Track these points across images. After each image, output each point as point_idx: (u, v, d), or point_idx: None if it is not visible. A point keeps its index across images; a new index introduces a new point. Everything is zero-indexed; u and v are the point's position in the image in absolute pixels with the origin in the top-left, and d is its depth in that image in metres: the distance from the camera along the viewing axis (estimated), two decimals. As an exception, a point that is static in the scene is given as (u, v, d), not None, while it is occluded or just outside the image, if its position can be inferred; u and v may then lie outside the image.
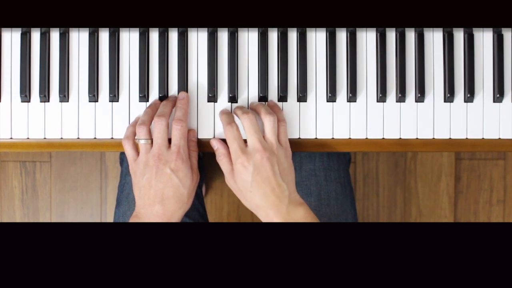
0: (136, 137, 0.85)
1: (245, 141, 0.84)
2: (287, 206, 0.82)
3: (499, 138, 0.90)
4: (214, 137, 0.88)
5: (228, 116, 0.86)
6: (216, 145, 0.87)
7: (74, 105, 0.88)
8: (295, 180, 0.86)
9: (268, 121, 0.84)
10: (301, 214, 0.82)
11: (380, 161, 1.68)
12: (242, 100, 0.89)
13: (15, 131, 0.88)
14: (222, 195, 1.68)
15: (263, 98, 0.89)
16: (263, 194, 0.81)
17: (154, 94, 0.89)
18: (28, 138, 0.88)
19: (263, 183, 0.81)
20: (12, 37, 0.88)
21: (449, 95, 0.89)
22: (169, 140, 0.85)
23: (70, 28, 0.88)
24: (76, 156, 1.67)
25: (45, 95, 0.88)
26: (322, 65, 0.89)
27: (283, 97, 0.89)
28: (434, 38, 0.90)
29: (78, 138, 0.88)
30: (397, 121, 0.89)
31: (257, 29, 0.89)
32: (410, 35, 0.90)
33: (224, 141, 0.86)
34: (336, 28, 0.89)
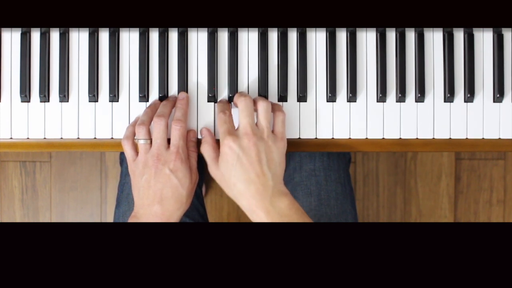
0: (135, 137, 0.85)
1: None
2: (270, 196, 0.80)
3: (499, 138, 0.90)
4: (214, 136, 0.88)
5: (223, 105, 0.86)
6: (204, 133, 0.86)
7: (74, 105, 0.88)
8: (295, 180, 0.86)
9: (261, 106, 0.83)
10: (285, 204, 0.80)
11: (380, 161, 1.68)
12: (242, 100, 0.89)
13: (15, 131, 0.88)
14: (222, 195, 1.68)
15: (263, 98, 0.89)
16: (247, 179, 0.80)
17: (154, 94, 0.89)
18: (28, 138, 0.88)
19: (248, 167, 0.80)
20: (12, 37, 0.88)
21: (449, 95, 0.89)
22: (169, 141, 0.85)
23: (70, 28, 0.88)
24: (76, 156, 1.67)
25: (45, 95, 0.88)
26: (322, 65, 0.89)
27: (283, 97, 0.89)
28: (434, 38, 0.90)
29: (78, 138, 0.88)
30: (397, 121, 0.89)
31: (257, 29, 0.89)
32: (410, 35, 0.90)
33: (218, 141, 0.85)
34: (336, 28, 0.89)
